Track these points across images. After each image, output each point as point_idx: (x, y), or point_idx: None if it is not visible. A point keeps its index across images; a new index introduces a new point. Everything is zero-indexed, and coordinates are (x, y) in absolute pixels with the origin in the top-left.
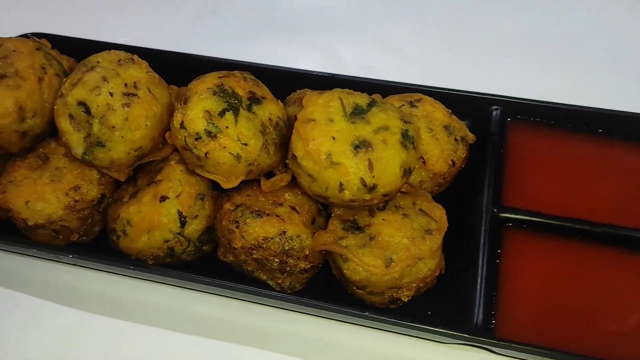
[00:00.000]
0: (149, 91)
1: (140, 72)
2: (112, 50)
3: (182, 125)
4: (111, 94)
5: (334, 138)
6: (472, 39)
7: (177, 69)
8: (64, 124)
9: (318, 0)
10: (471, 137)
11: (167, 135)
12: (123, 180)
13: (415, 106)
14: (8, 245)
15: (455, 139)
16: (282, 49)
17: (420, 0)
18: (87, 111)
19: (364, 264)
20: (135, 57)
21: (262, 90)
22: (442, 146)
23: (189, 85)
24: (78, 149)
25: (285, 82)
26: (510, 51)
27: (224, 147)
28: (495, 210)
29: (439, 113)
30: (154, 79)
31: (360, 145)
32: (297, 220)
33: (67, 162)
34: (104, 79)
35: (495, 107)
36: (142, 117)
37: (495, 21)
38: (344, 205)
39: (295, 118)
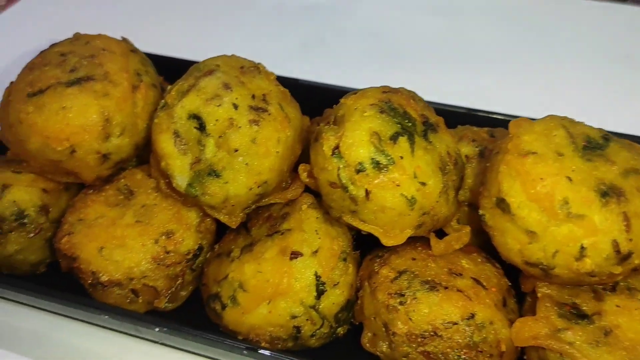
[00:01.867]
0: (281, 108)
1: (268, 83)
2: (233, 55)
3: (335, 151)
4: (235, 107)
5: (569, 179)
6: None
7: None
8: (166, 144)
9: (436, 30)
10: None
11: (301, 168)
12: (234, 227)
13: None
14: (70, 307)
15: None
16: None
17: (581, 31)
18: (201, 127)
19: None
20: (261, 65)
21: (433, 115)
22: None
23: (341, 101)
24: (181, 179)
25: None
26: None
27: (397, 185)
28: None
29: None
30: (286, 95)
31: (609, 193)
32: (487, 300)
33: (159, 198)
34: (226, 86)
35: None
36: (272, 141)
37: None
38: (568, 281)
39: (467, 158)
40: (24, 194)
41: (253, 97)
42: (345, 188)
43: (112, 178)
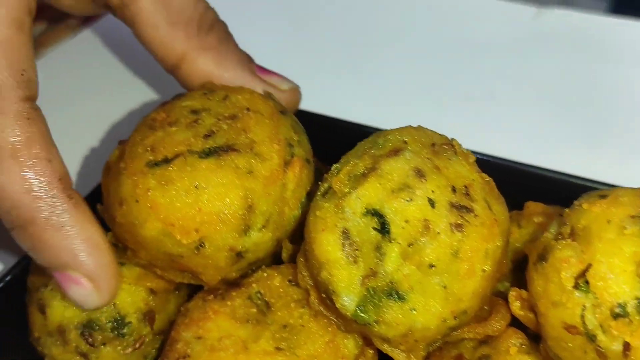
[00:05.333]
0: (488, 207)
1: (470, 170)
2: (420, 127)
3: (580, 282)
4: (432, 203)
5: None
6: None
7: None
8: (331, 247)
9: None
10: None
11: (513, 295)
12: None
13: None
14: None
15: None
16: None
17: None
18: (383, 228)
19: None
20: (455, 142)
21: None
22: None
23: (582, 205)
24: (349, 298)
25: None
26: None
27: None
28: None
29: None
30: (492, 187)
31: None
32: None
33: (306, 317)
34: (419, 173)
35: None
36: (479, 254)
37: None
38: None
39: None
40: (127, 294)
41: (453, 189)
42: (591, 337)
43: (239, 281)
